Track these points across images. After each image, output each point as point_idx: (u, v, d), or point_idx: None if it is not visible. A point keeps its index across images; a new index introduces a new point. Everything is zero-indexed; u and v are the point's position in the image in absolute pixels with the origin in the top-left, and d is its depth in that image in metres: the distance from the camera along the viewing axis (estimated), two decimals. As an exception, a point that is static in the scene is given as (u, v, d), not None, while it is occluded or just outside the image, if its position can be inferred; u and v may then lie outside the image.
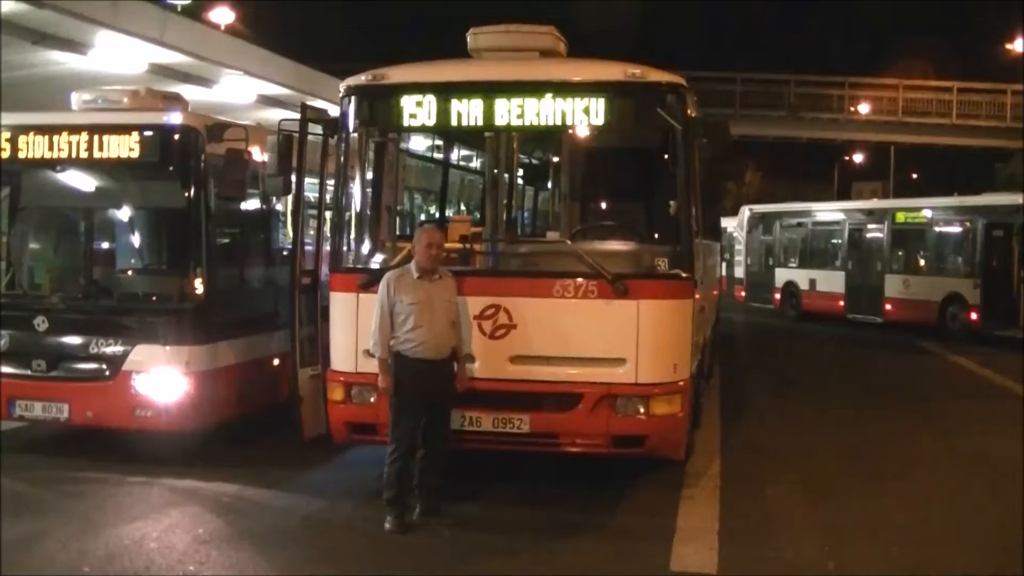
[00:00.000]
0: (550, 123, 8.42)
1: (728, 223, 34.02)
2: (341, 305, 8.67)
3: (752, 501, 8.89)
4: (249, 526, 7.99)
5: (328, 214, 9.08)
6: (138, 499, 8.67)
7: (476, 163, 11.92)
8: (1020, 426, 11.77)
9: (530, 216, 11.85)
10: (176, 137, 9.78)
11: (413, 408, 7.88)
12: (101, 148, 9.79)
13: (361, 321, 8.37)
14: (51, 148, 9.89)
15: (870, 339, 23.07)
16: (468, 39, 9.14)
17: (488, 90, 8.46)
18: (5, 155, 9.98)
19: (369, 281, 8.38)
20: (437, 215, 11.94)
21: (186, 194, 9.75)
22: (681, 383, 8.38)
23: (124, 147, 9.76)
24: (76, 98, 10.56)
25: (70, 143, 9.85)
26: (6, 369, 9.81)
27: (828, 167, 61.24)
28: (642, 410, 8.17)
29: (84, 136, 9.82)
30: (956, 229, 23.49)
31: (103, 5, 15.71)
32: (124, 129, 9.78)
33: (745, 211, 32.44)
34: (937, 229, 24.07)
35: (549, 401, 8.27)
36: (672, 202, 8.51)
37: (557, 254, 8.76)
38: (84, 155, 9.83)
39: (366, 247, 9.25)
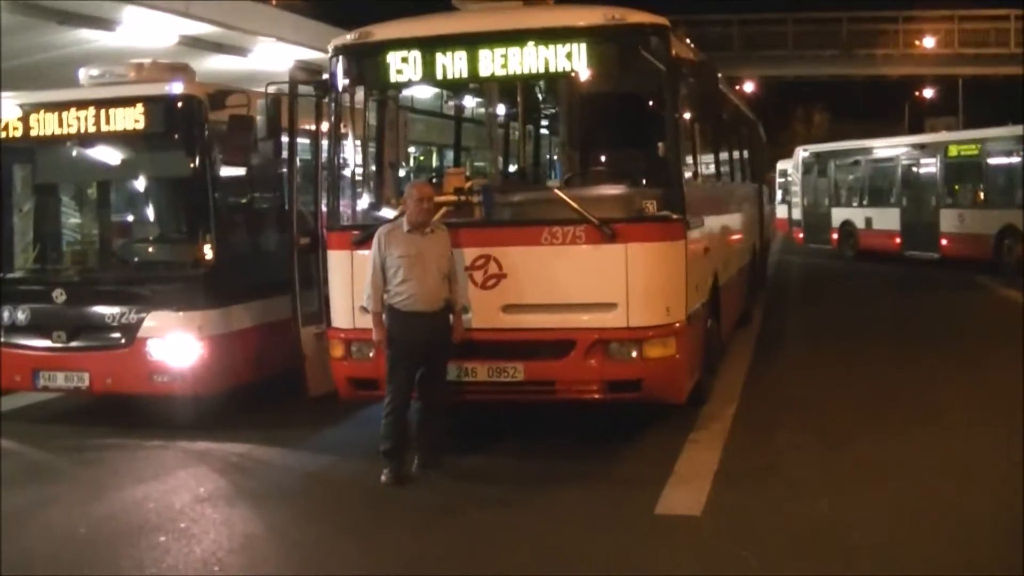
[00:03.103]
0: (534, 71, 8.37)
1: (786, 165, 33.63)
2: (337, 263, 8.73)
3: (758, 446, 8.76)
4: (251, 484, 8.14)
5: (324, 174, 9.14)
6: (151, 463, 8.86)
7: (464, 115, 11.88)
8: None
9: (519, 165, 11.77)
10: (179, 106, 9.91)
11: (407, 360, 7.91)
12: (108, 121, 9.96)
13: (356, 278, 8.43)
14: (60, 124, 10.08)
15: (924, 277, 22.56)
16: (451, -9, 9.10)
17: (471, 41, 8.40)
18: (18, 133, 10.21)
19: (362, 238, 8.42)
20: (431, 168, 11.97)
21: (191, 162, 9.88)
22: (676, 325, 8.29)
23: (129, 119, 9.91)
24: (84, 74, 10.72)
25: (78, 118, 10.02)
26: (29, 342, 10.09)
27: (899, 104, 59.86)
28: (635, 354, 8.11)
29: (91, 111, 9.98)
30: (1009, 160, 22.74)
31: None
32: (128, 102, 9.92)
33: (799, 152, 31.90)
34: (990, 161, 23.34)
35: (543, 349, 8.26)
36: (660, 144, 8.43)
37: (546, 202, 8.70)
38: (92, 129, 10.01)
39: (360, 205, 9.29)
